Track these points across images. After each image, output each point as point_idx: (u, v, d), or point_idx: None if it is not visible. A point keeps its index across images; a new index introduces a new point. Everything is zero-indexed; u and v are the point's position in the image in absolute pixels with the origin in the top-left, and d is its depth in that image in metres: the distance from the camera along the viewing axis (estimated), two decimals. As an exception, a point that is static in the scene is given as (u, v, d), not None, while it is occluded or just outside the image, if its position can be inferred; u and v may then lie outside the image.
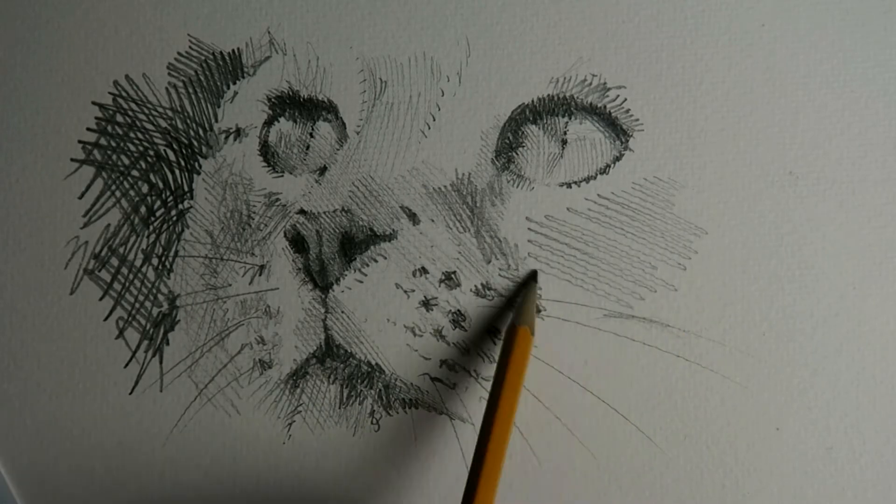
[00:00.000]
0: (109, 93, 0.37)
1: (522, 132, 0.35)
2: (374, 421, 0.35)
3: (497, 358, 0.34)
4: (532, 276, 0.34)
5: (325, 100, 0.36)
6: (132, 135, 0.37)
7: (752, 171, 0.34)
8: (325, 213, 0.35)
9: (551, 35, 0.35)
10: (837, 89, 0.34)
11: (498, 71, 0.35)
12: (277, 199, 0.36)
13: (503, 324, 0.34)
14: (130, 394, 0.36)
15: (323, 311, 0.35)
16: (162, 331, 0.36)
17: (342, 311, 0.35)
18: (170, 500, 0.36)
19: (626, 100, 0.35)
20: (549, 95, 0.35)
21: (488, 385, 0.35)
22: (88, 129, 0.37)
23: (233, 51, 0.36)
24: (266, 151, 0.36)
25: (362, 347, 0.35)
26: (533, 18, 0.35)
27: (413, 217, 0.35)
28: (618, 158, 0.35)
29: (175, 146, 0.37)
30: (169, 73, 0.36)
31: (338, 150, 0.36)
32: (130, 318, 0.36)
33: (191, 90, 0.36)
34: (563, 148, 0.35)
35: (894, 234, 0.34)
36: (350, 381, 0.35)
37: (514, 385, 0.30)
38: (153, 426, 0.36)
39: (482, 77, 0.35)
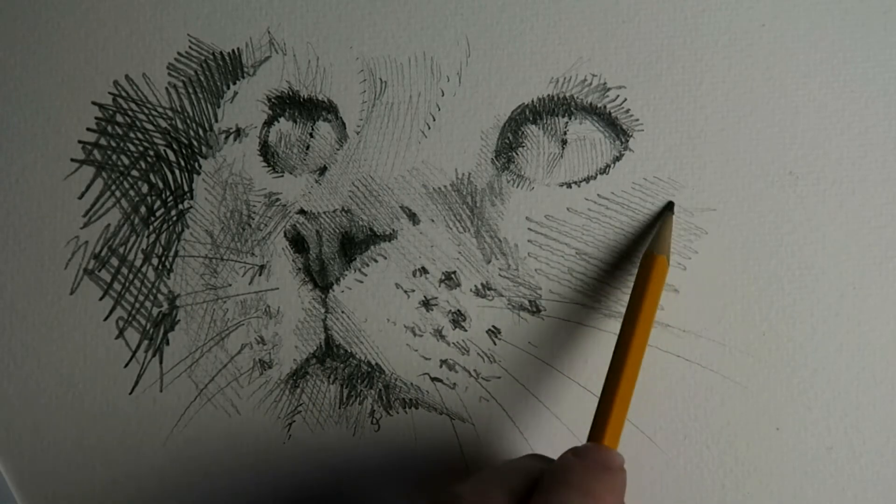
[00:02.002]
0: (109, 93, 0.37)
1: (522, 132, 0.35)
2: (374, 421, 0.35)
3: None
4: (668, 207, 0.34)
5: (325, 100, 0.36)
6: (132, 135, 0.37)
7: (752, 171, 0.34)
8: (325, 213, 0.35)
9: (551, 35, 0.35)
10: (837, 89, 0.34)
11: (498, 71, 0.35)
12: (277, 199, 0.36)
13: (503, 323, 0.34)
14: (130, 394, 0.36)
15: (323, 311, 0.35)
16: (162, 331, 0.36)
17: (342, 311, 0.35)
18: (170, 500, 0.36)
19: (626, 100, 0.35)
20: (549, 95, 0.35)
21: (488, 385, 0.35)
22: (88, 129, 0.37)
23: (233, 51, 0.36)
24: (266, 151, 0.36)
25: (362, 347, 0.35)
26: (533, 18, 0.35)
27: (413, 217, 0.35)
28: (618, 158, 0.35)
29: (175, 146, 0.37)
30: (169, 73, 0.36)
31: (338, 150, 0.36)
32: (130, 318, 0.36)
33: (191, 90, 0.36)
34: (563, 148, 0.35)
35: (894, 234, 0.34)
36: (350, 381, 0.35)
37: (649, 314, 0.31)
38: (153, 426, 0.36)
39: (482, 77, 0.35)
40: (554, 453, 0.30)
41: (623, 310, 0.34)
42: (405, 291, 0.35)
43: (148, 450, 0.36)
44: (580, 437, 0.34)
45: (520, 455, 0.32)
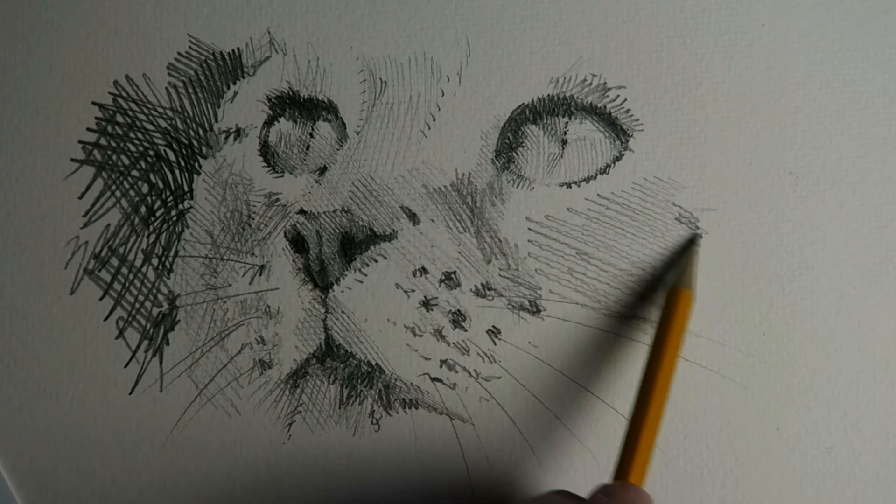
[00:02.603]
0: (109, 93, 0.37)
1: (522, 132, 0.35)
2: (374, 421, 0.35)
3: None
4: (692, 240, 0.34)
5: (325, 100, 0.36)
6: (132, 135, 0.37)
7: (752, 171, 0.34)
8: (325, 213, 0.35)
9: (551, 35, 0.35)
10: (837, 89, 0.34)
11: (498, 71, 0.35)
12: (277, 199, 0.36)
13: (503, 323, 0.34)
14: (130, 394, 0.36)
15: (323, 311, 0.35)
16: (162, 331, 0.36)
17: (342, 311, 0.35)
18: (170, 500, 0.36)
19: (626, 100, 0.35)
20: (549, 95, 0.35)
21: (488, 385, 0.35)
22: (88, 129, 0.37)
23: (233, 51, 0.36)
24: (266, 151, 0.36)
25: (362, 347, 0.35)
26: (533, 18, 0.35)
27: (413, 217, 0.35)
28: (618, 158, 0.35)
29: (175, 146, 0.37)
30: (169, 73, 0.36)
31: (338, 150, 0.36)
32: (130, 318, 0.36)
33: (191, 90, 0.36)
34: (563, 148, 0.35)
35: (894, 234, 0.34)
36: (350, 381, 0.35)
37: (674, 349, 0.31)
38: (153, 426, 0.36)
39: (482, 77, 0.35)
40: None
41: (622, 310, 0.34)
42: (405, 291, 0.35)
43: (148, 450, 0.36)
44: (580, 438, 0.34)
45: (519, 454, 0.32)
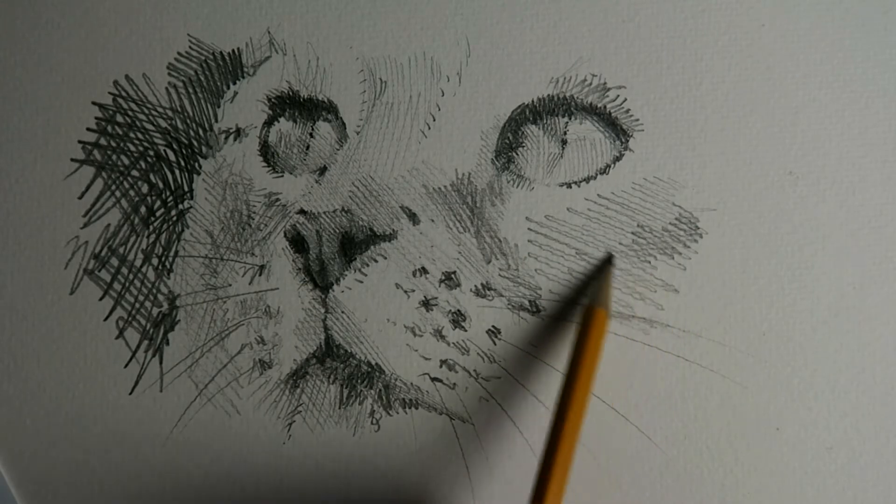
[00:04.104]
0: (109, 93, 0.37)
1: (522, 132, 0.35)
2: (374, 421, 0.35)
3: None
4: (608, 260, 0.34)
5: (325, 100, 0.36)
6: (132, 135, 0.37)
7: (752, 171, 0.34)
8: (325, 213, 0.35)
9: (551, 35, 0.35)
10: (837, 89, 0.34)
11: (498, 71, 0.35)
12: (277, 199, 0.36)
13: (503, 323, 0.34)
14: (130, 394, 0.36)
15: (323, 311, 0.35)
16: (162, 331, 0.36)
17: (342, 311, 0.35)
18: (170, 500, 0.36)
19: (626, 100, 0.35)
20: (549, 95, 0.35)
21: (488, 385, 0.35)
22: (88, 129, 0.37)
23: (233, 51, 0.36)
24: (266, 151, 0.36)
25: (362, 347, 0.35)
26: (533, 18, 0.35)
27: (413, 217, 0.35)
28: (618, 158, 0.35)
29: (175, 146, 0.37)
30: (169, 73, 0.36)
31: (338, 150, 0.36)
32: (130, 318, 0.36)
33: (191, 90, 0.36)
34: (563, 148, 0.35)
35: (894, 234, 0.34)
36: (350, 381, 0.35)
37: (590, 368, 0.31)
38: (153, 426, 0.36)
39: (482, 77, 0.35)
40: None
41: (622, 310, 0.34)
42: (405, 291, 0.35)
43: (148, 450, 0.36)
44: (580, 438, 0.34)
45: (519, 454, 0.32)
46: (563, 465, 0.29)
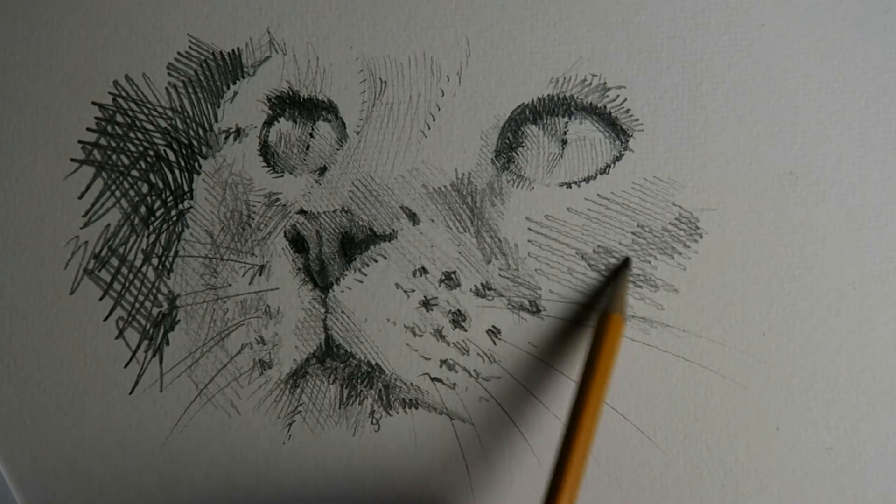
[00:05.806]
0: (109, 93, 0.37)
1: (522, 132, 0.35)
2: (374, 421, 0.35)
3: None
4: (624, 264, 0.34)
5: (325, 100, 0.36)
6: (132, 135, 0.37)
7: (752, 171, 0.34)
8: (325, 213, 0.35)
9: (551, 35, 0.35)
10: (837, 89, 0.34)
11: (498, 71, 0.35)
12: (277, 199, 0.36)
13: (503, 323, 0.34)
14: (130, 394, 0.36)
15: (323, 311, 0.35)
16: (162, 331, 0.36)
17: (342, 311, 0.35)
18: (170, 500, 0.36)
19: (626, 100, 0.35)
20: (549, 95, 0.35)
21: (488, 385, 0.35)
22: (88, 129, 0.37)
23: (233, 51, 0.36)
24: (266, 151, 0.36)
25: (362, 347, 0.35)
26: (533, 18, 0.35)
27: (413, 217, 0.35)
28: (618, 158, 0.35)
29: (175, 146, 0.37)
30: (169, 73, 0.36)
31: (338, 150, 0.36)
32: (130, 318, 0.36)
33: (191, 90, 0.36)
34: (563, 148, 0.35)
35: (894, 234, 0.34)
36: (350, 381, 0.35)
37: (605, 373, 0.31)
38: (153, 426, 0.36)
39: (482, 77, 0.35)
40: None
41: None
42: (405, 291, 0.35)
43: (148, 450, 0.36)
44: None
45: (519, 454, 0.32)
46: (576, 471, 0.29)
